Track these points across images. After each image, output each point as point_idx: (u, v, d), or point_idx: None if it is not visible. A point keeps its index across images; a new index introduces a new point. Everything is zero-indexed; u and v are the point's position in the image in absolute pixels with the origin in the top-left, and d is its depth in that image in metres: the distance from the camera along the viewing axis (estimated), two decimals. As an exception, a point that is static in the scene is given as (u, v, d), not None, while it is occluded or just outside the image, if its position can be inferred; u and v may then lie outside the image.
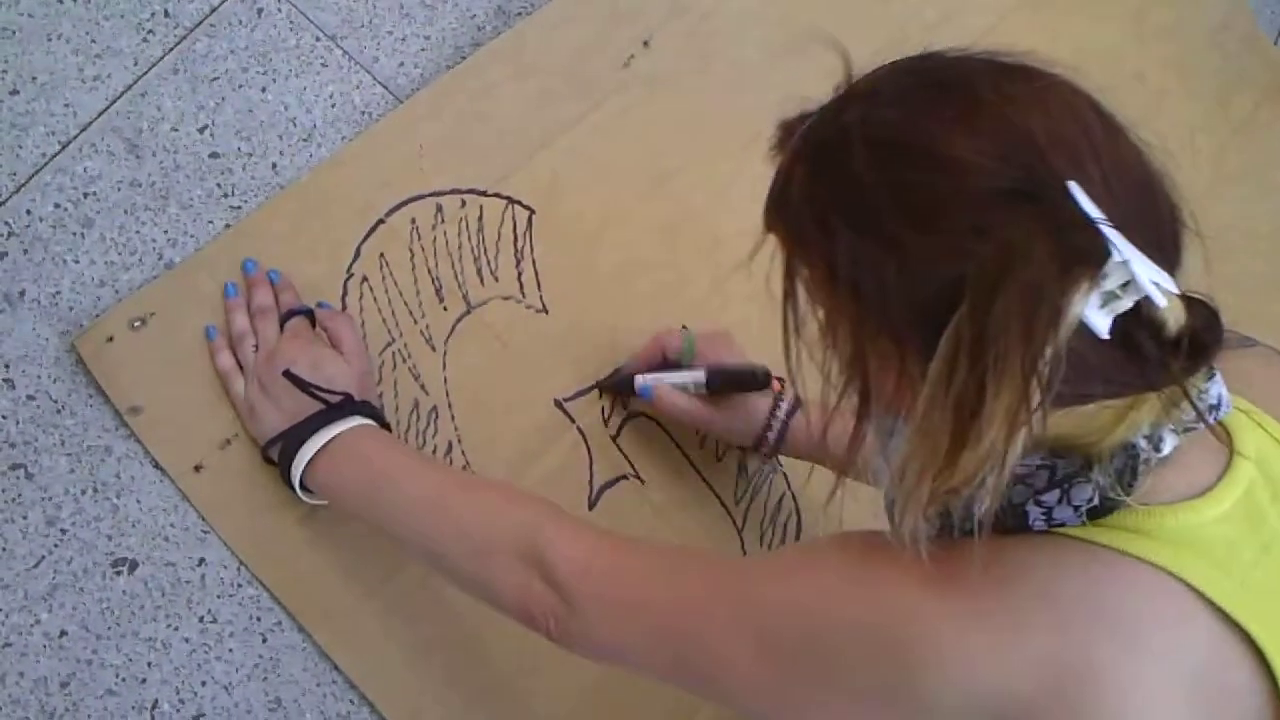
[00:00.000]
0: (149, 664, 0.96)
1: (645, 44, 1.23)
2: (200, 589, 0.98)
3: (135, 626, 0.96)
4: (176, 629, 0.97)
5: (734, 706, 0.74)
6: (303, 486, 0.94)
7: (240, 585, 0.99)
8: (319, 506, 0.98)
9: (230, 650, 0.98)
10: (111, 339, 0.99)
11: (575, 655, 0.82)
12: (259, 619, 0.99)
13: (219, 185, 1.08)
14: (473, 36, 1.21)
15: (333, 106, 1.14)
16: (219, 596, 0.99)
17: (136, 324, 1.00)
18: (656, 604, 0.77)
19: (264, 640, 0.99)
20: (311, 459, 0.92)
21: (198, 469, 0.99)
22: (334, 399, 0.94)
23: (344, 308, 1.06)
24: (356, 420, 0.94)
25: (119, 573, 0.97)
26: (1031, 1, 1.49)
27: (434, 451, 1.06)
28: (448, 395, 1.08)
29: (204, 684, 0.97)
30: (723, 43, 1.28)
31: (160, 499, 0.99)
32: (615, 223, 1.19)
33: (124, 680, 0.95)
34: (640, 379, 1.09)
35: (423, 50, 1.19)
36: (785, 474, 1.20)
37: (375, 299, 1.07)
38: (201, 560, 0.99)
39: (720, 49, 1.27)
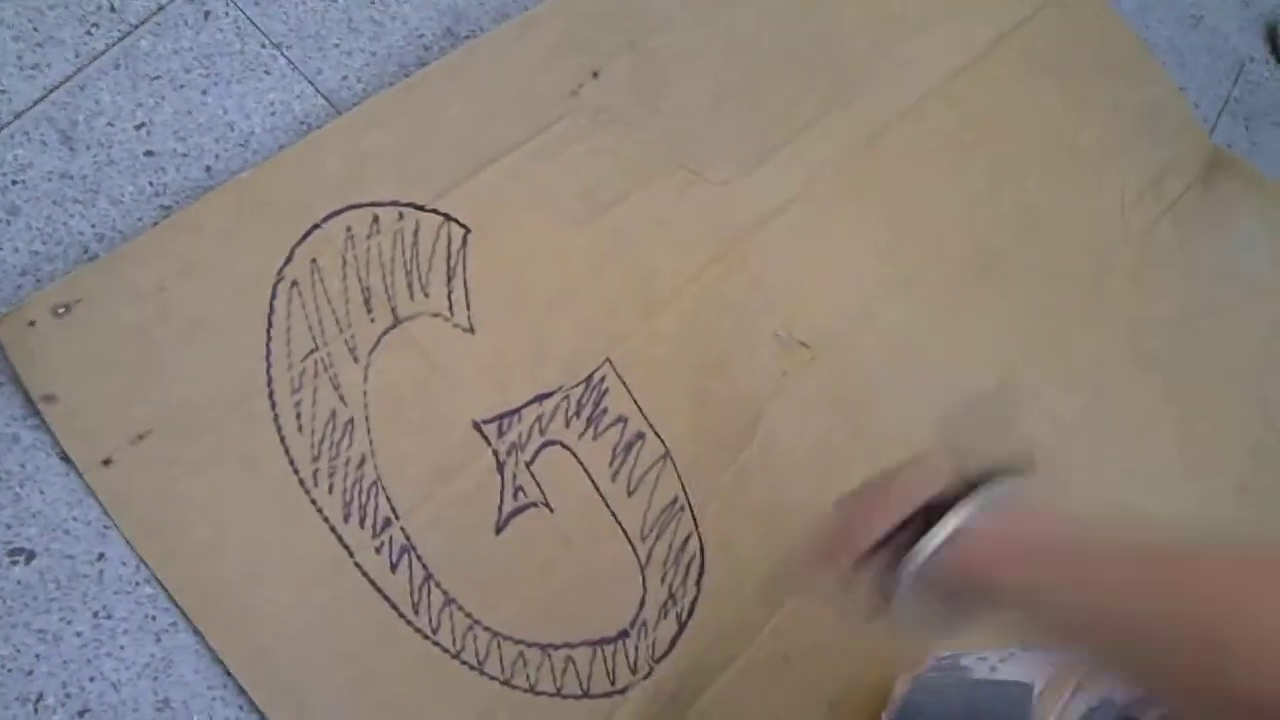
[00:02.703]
0: (37, 656, 0.95)
1: (595, 75, 1.25)
2: (97, 584, 0.98)
3: (27, 618, 0.96)
4: (69, 622, 0.97)
5: None
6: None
7: (138, 583, 0.99)
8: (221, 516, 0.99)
9: (122, 648, 0.98)
10: (33, 323, 0.98)
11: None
12: (154, 618, 0.99)
13: (151, 184, 1.09)
14: (419, 56, 1.22)
15: (272, 114, 1.15)
16: (115, 593, 0.99)
17: (61, 310, 0.99)
18: None
19: (158, 640, 0.99)
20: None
21: (106, 463, 0.98)
22: None
23: (271, 310, 1.06)
24: None
25: (15, 563, 0.97)
26: (975, 66, 1.51)
27: (346, 464, 1.06)
28: (366, 408, 1.08)
29: (92, 680, 0.96)
30: (671, 81, 1.29)
31: (65, 491, 0.99)
32: (549, 249, 1.20)
33: (9, 670, 0.94)
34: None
35: (367, 65, 1.20)
36: (694, 514, 1.21)
37: (303, 304, 1.07)
38: (101, 555, 0.99)
39: (668, 87, 1.29)
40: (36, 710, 0.94)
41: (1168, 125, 1.69)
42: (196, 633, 1.00)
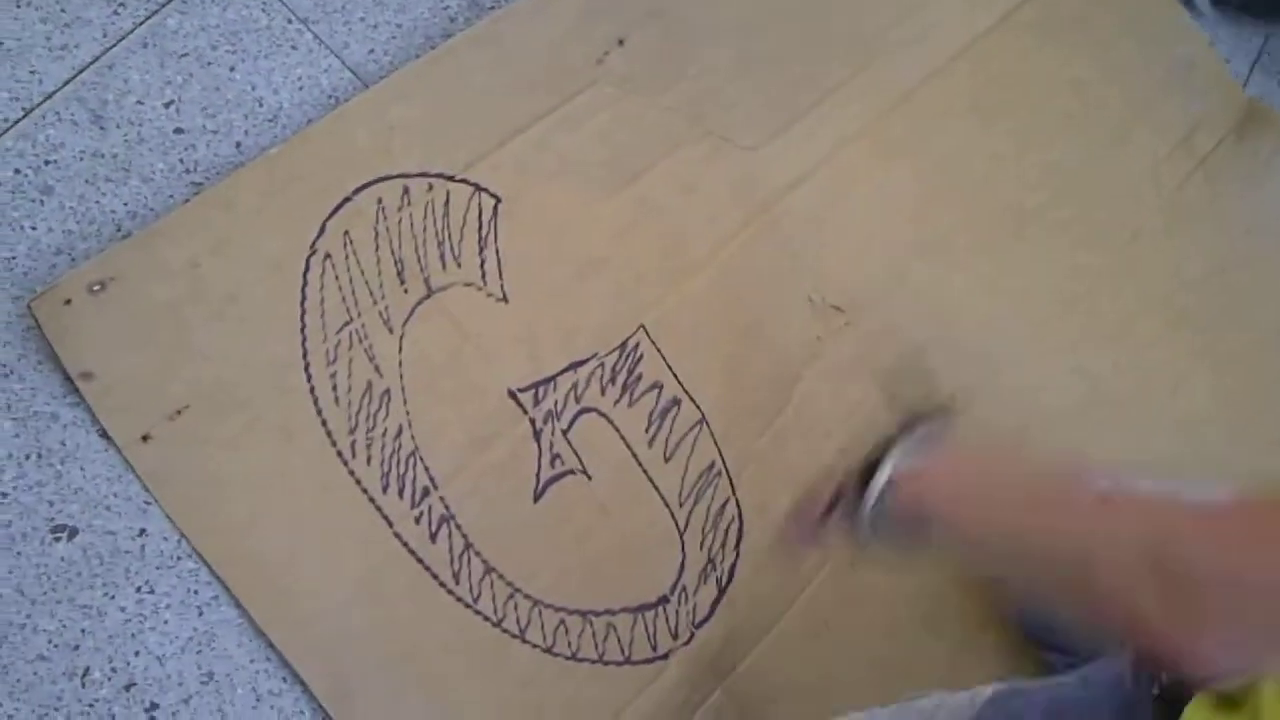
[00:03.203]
0: (83, 631, 0.96)
1: (620, 42, 1.24)
2: (139, 559, 0.99)
3: (71, 593, 0.97)
4: (113, 598, 0.98)
5: None
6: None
7: (179, 558, 1.00)
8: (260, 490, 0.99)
9: (165, 622, 0.99)
10: (69, 302, 0.98)
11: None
12: (196, 592, 1.00)
13: (181, 161, 1.09)
14: (444, 28, 1.22)
15: (300, 89, 1.15)
16: (158, 568, 0.99)
17: (95, 288, 0.99)
18: None
19: (200, 614, 1.00)
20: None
21: (145, 439, 0.99)
22: None
23: (305, 283, 1.06)
24: None
25: (58, 539, 0.98)
26: (999, 28, 1.50)
27: (383, 435, 1.06)
28: (401, 379, 1.08)
29: (137, 654, 0.97)
30: (696, 49, 1.28)
31: (105, 468, 1.00)
32: (579, 217, 1.19)
33: (56, 646, 0.95)
34: None
35: (393, 38, 1.20)
36: (731, 479, 1.21)
37: (336, 276, 1.07)
38: (142, 531, 1.00)
39: (693, 55, 1.28)
40: (84, 684, 0.95)
41: (1199, 81, 1.67)
42: (238, 606, 1.00)
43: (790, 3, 1.36)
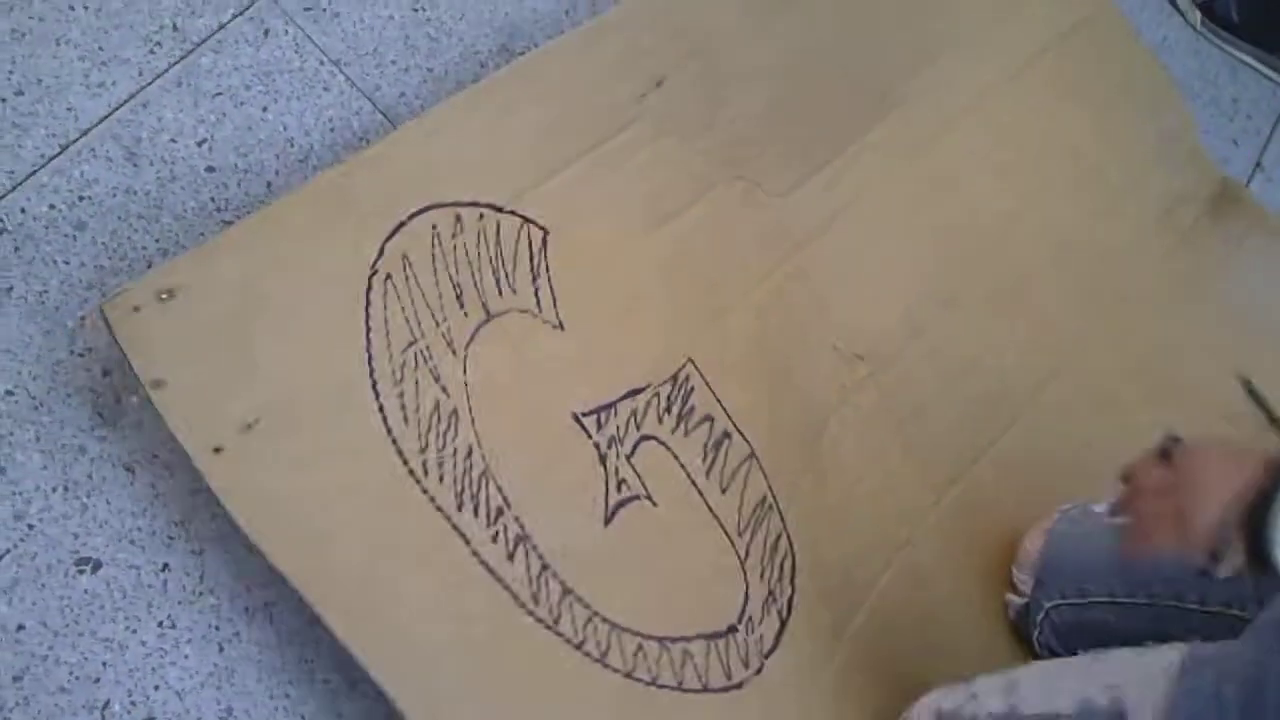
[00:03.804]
0: (104, 664, 0.95)
1: (659, 83, 1.26)
2: (162, 594, 0.99)
3: (93, 626, 0.96)
4: (134, 631, 0.97)
5: None
6: None
7: (201, 593, 1.00)
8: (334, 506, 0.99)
9: (186, 656, 0.98)
10: (138, 309, 0.96)
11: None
12: (217, 628, 0.99)
13: (213, 199, 1.10)
14: (475, 73, 1.24)
15: (331, 130, 1.16)
16: (180, 603, 0.99)
17: (164, 296, 0.97)
18: None
19: (220, 650, 0.99)
20: None
21: (218, 450, 0.96)
22: None
23: (368, 303, 1.05)
24: None
25: (82, 571, 0.97)
26: (1009, 84, 1.53)
27: (454, 454, 1.05)
28: (468, 399, 1.08)
29: (157, 688, 0.97)
30: (730, 93, 1.30)
31: (130, 501, 1.00)
32: (621, 253, 1.20)
33: (77, 678, 0.94)
34: None
35: (424, 82, 1.22)
36: (781, 513, 1.21)
37: (399, 296, 1.07)
38: (165, 565, 0.99)
39: (727, 98, 1.30)
40: (104, 717, 0.94)
41: (1180, 155, 1.70)
42: (259, 643, 1.00)
43: (819, 52, 1.38)
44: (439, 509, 1.03)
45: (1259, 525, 0.86)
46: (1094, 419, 1.48)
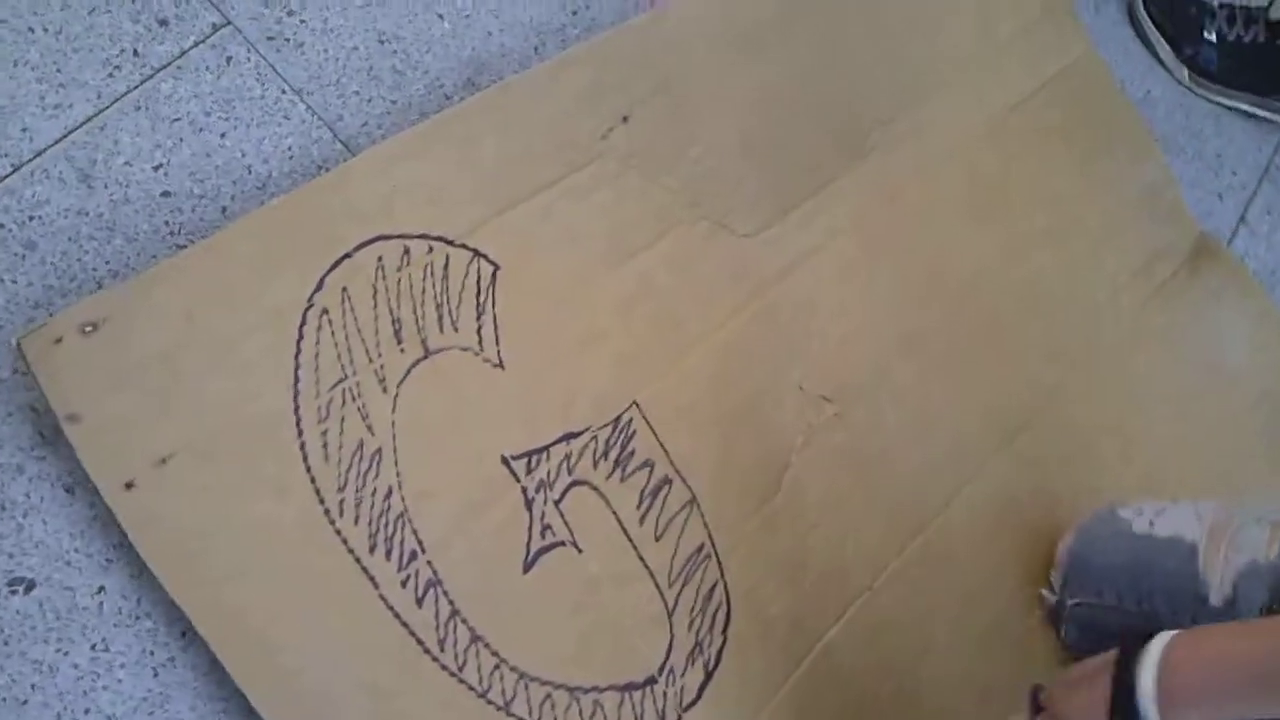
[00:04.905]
0: (32, 686, 0.92)
1: (625, 119, 1.24)
2: (97, 616, 0.95)
3: (23, 647, 0.93)
4: (66, 654, 0.94)
5: None
6: None
7: (138, 617, 0.96)
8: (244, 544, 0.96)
9: (119, 681, 0.94)
10: (60, 340, 0.94)
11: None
12: (153, 653, 0.96)
13: (167, 223, 1.09)
14: (439, 105, 1.23)
15: (290, 158, 1.15)
16: (115, 625, 0.96)
17: (88, 329, 0.96)
18: None
19: (155, 675, 0.96)
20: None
21: (129, 486, 0.94)
22: None
23: (300, 337, 1.03)
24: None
25: (14, 592, 0.94)
26: (990, 133, 1.53)
27: (372, 495, 1.03)
28: (394, 439, 1.05)
29: (87, 712, 0.93)
30: (698, 129, 1.29)
31: (68, 523, 0.97)
32: (578, 290, 1.18)
33: (4, 700, 0.91)
34: None
35: (387, 114, 1.21)
36: (720, 562, 1.19)
37: (332, 332, 1.05)
38: (101, 588, 0.96)
39: (695, 135, 1.29)
40: (29, 742, 0.91)
41: (1161, 209, 1.70)
42: (194, 668, 0.96)
43: (792, 86, 1.37)
44: (350, 550, 1.00)
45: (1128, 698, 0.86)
46: (1064, 472, 1.46)
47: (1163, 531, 1.25)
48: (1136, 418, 1.54)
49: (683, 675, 1.13)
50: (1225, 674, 0.83)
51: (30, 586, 0.94)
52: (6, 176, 1.05)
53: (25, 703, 0.91)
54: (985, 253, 1.49)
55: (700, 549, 1.18)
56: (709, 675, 1.15)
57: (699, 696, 1.14)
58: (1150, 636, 0.88)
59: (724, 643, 1.17)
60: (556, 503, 1.12)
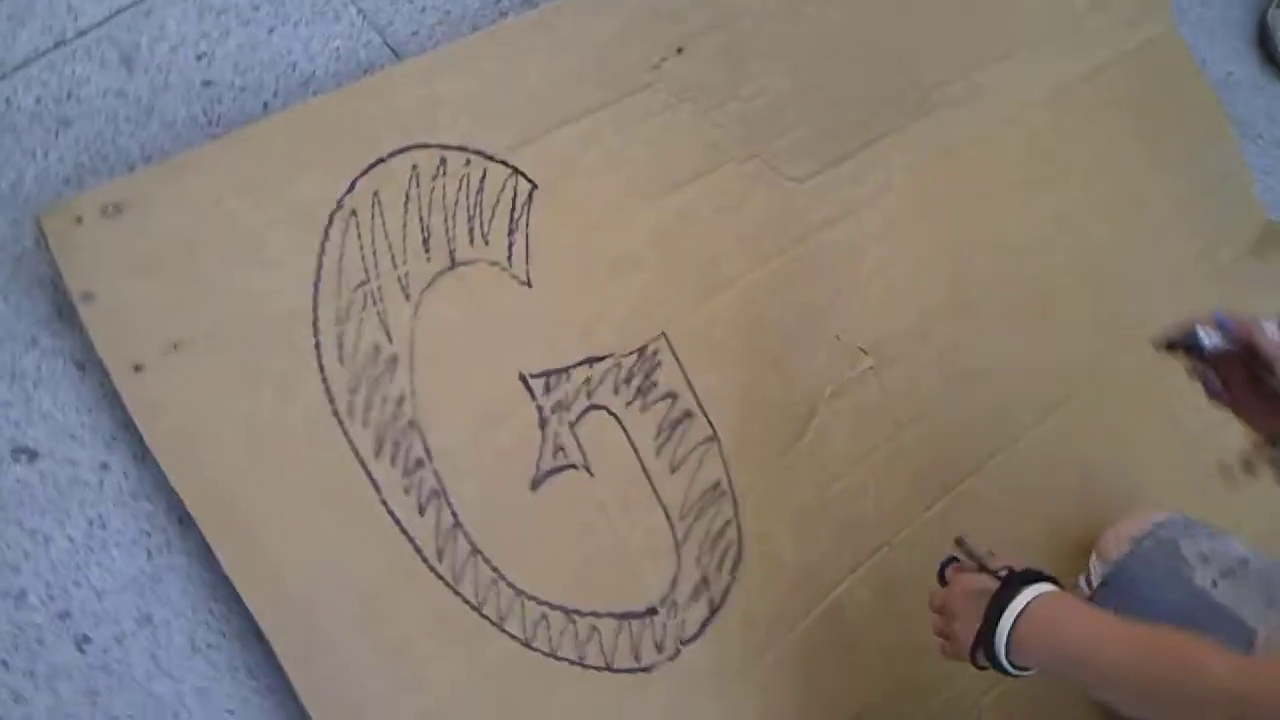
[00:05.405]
0: (25, 554, 0.92)
1: (679, 50, 1.21)
2: (96, 492, 0.95)
3: (20, 515, 0.93)
4: (62, 526, 0.94)
5: None
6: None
7: (138, 498, 0.96)
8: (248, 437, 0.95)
9: (112, 558, 0.94)
10: (80, 220, 0.94)
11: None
12: (149, 534, 0.96)
13: (204, 112, 1.08)
14: (494, 19, 1.21)
15: (337, 59, 1.14)
16: (113, 504, 0.95)
17: (110, 210, 0.95)
18: None
19: (149, 556, 0.95)
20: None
21: (137, 368, 0.94)
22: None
23: (326, 237, 1.02)
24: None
25: (17, 460, 0.94)
26: (1054, 101, 1.48)
27: (383, 401, 1.02)
28: (412, 347, 1.04)
29: (77, 584, 0.93)
30: (754, 70, 1.26)
31: (76, 398, 0.97)
32: (616, 216, 1.17)
33: (-4, 565, 0.91)
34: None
35: (439, 24, 1.19)
36: (735, 501, 1.17)
37: (359, 235, 1.03)
38: (104, 465, 0.96)
39: (750, 75, 1.26)
40: (18, 607, 0.90)
41: (1229, 191, 1.64)
42: (188, 555, 0.96)
43: (850, 40, 1.33)
44: (355, 452, 1.00)
45: (989, 634, 0.95)
46: (1101, 451, 1.42)
47: (1224, 599, 1.20)
48: (1182, 401, 1.48)
49: (685, 609, 1.12)
50: (1059, 645, 0.93)
51: (34, 456, 0.94)
52: (48, 51, 1.04)
53: (17, 569, 0.91)
54: (1040, 221, 1.44)
55: (716, 485, 1.16)
56: (713, 612, 1.13)
57: (700, 631, 1.12)
58: (1027, 583, 0.97)
59: (731, 582, 1.15)
60: (572, 425, 1.10)
